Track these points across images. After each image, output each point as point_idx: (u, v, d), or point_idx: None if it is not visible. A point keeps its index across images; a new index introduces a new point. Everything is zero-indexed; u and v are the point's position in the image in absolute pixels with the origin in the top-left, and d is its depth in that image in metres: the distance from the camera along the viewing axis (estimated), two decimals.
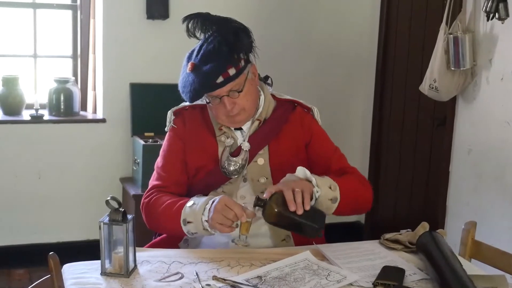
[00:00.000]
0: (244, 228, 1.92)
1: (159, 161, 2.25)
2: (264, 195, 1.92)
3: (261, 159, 2.18)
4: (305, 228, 1.91)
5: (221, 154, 2.17)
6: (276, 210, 1.89)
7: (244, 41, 2.07)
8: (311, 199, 1.94)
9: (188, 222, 2.00)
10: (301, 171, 2.02)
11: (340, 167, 2.20)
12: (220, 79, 2.02)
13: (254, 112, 2.18)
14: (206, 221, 1.96)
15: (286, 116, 2.22)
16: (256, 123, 2.19)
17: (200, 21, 2.10)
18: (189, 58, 2.11)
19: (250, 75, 2.12)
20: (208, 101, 2.11)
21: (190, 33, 2.11)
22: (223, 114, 2.11)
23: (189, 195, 2.19)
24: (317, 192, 1.97)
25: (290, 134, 2.21)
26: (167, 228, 2.12)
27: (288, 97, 2.29)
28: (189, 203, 2.02)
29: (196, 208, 1.99)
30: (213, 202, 1.96)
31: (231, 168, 2.15)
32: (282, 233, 2.15)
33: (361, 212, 2.20)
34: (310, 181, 1.98)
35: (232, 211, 1.90)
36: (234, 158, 2.15)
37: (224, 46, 2.03)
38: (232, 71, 2.04)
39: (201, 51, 2.06)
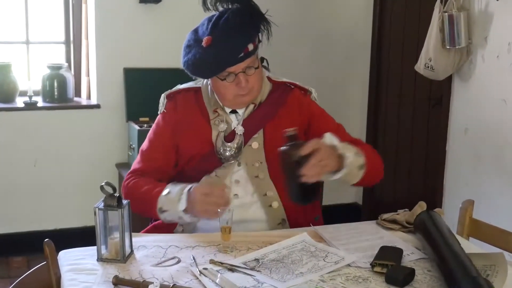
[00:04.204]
0: (225, 235, 1.93)
1: (144, 145, 2.23)
2: (303, 152, 1.83)
3: (256, 143, 2.15)
4: (290, 189, 1.93)
5: (216, 140, 2.14)
6: (290, 161, 1.86)
7: (260, 20, 2.09)
8: (338, 171, 1.93)
9: (164, 211, 2.01)
10: (328, 139, 1.95)
11: (347, 140, 2.12)
12: (241, 54, 2.02)
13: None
14: (182, 210, 1.97)
15: (282, 98, 2.19)
16: (251, 106, 2.17)
17: None
18: (195, 35, 2.09)
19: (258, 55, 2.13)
20: (222, 78, 2.07)
21: (210, 5, 2.10)
22: (232, 94, 2.09)
23: (182, 179, 2.15)
24: (344, 168, 1.93)
25: (287, 117, 2.17)
26: (145, 213, 2.14)
27: (284, 79, 2.26)
28: (165, 192, 2.02)
29: (171, 196, 2.00)
30: (189, 189, 1.97)
31: (227, 154, 2.13)
32: (278, 217, 2.14)
33: (374, 182, 2.17)
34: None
35: (212, 197, 1.91)
36: (229, 144, 2.13)
37: (247, 22, 2.04)
38: (251, 47, 2.04)
39: (219, 26, 2.04)
